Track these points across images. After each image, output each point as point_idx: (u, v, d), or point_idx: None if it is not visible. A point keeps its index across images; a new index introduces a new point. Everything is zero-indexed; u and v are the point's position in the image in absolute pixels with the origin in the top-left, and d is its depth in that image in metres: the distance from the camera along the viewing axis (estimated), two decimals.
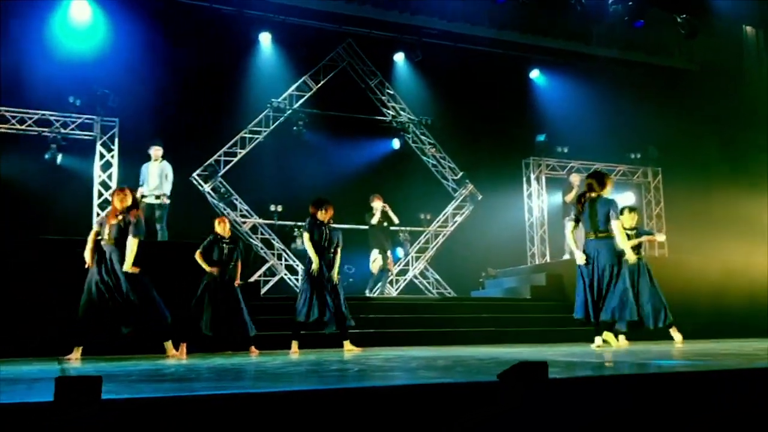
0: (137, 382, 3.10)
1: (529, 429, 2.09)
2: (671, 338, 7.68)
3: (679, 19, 13.75)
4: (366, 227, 10.82)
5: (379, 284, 10.97)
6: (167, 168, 9.77)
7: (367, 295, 10.55)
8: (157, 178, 9.67)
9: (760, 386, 2.61)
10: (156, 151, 9.76)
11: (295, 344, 7.09)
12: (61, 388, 1.75)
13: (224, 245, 7.24)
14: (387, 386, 2.49)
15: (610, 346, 6.58)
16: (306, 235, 7.19)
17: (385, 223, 10.68)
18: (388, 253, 10.81)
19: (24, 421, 1.77)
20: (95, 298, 5.99)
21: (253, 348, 7.12)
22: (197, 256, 7.14)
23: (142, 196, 9.52)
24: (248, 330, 7.13)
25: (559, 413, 2.19)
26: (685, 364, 3.56)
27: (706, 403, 2.51)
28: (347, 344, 7.14)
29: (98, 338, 6.06)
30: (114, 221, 6.17)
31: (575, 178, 11.95)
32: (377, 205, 10.58)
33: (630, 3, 13.06)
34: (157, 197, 9.61)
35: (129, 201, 6.26)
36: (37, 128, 10.95)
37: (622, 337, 7.22)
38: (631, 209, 8.04)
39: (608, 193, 6.86)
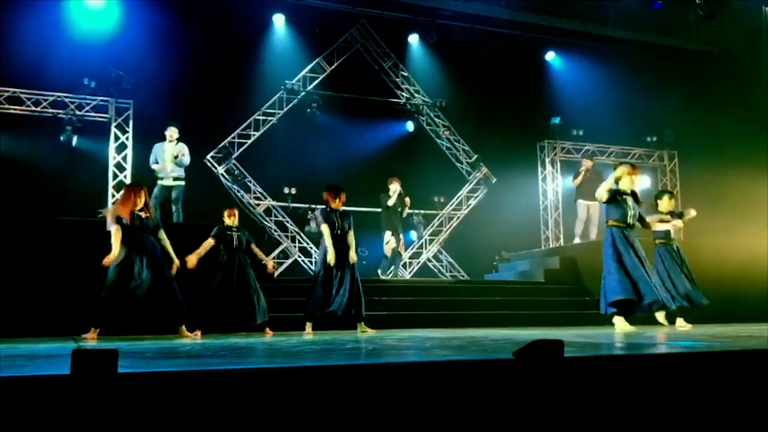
0: (153, 359, 3.13)
1: (544, 407, 2.09)
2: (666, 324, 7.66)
3: (697, 1, 13.54)
4: (379, 210, 10.81)
5: (392, 267, 10.99)
6: (184, 149, 9.71)
7: (380, 276, 10.56)
8: (172, 161, 9.63)
9: None
10: (172, 132, 9.68)
11: (309, 326, 7.12)
12: (78, 360, 1.77)
13: (233, 233, 7.24)
14: (401, 363, 2.49)
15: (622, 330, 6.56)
16: (326, 229, 7.12)
17: (399, 208, 10.68)
18: (401, 236, 10.80)
19: (41, 393, 1.79)
20: (122, 284, 6.05)
21: (267, 329, 7.14)
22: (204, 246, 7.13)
23: (159, 178, 9.51)
24: (261, 317, 7.12)
25: (575, 391, 2.18)
26: (703, 345, 3.53)
27: (725, 383, 2.49)
28: (361, 326, 7.16)
29: (114, 320, 6.08)
30: (143, 214, 6.27)
31: (587, 163, 11.89)
32: (394, 187, 10.56)
33: None
34: (174, 179, 9.59)
35: (143, 200, 6.35)
36: (52, 110, 11.01)
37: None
38: (671, 195, 8.13)
39: (622, 183, 6.98)
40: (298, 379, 2.08)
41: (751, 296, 9.77)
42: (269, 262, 7.42)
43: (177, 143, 9.68)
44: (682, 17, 14.17)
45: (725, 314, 9.13)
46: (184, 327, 6.41)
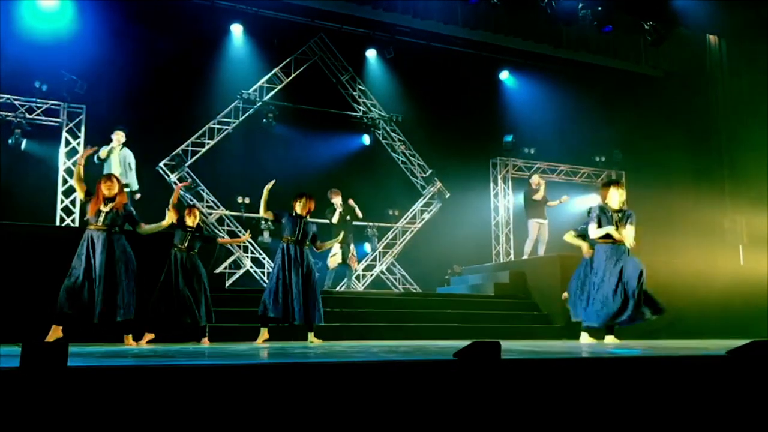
0: (102, 358, 3.13)
1: (482, 403, 2.19)
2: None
3: (646, 26, 14.03)
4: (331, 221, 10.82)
5: (344, 280, 11.01)
6: (129, 156, 9.45)
7: (325, 289, 10.52)
8: (119, 166, 9.42)
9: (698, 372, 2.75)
10: (119, 137, 9.47)
11: (264, 331, 7.02)
12: (27, 353, 1.79)
13: (188, 233, 7.20)
14: (348, 362, 2.56)
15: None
16: (266, 211, 7.18)
17: (348, 217, 10.69)
18: (351, 247, 10.77)
19: None
20: (78, 282, 5.93)
21: (205, 339, 7.04)
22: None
23: None
24: (200, 320, 6.96)
25: (510, 389, 2.29)
26: (635, 353, 3.69)
27: (646, 384, 2.63)
28: (311, 336, 7.17)
29: (72, 321, 5.94)
30: (105, 208, 6.15)
31: (536, 179, 12.21)
32: (337, 201, 10.59)
33: (599, 8, 13.28)
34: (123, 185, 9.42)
35: (116, 189, 6.25)
36: (1, 112, 10.79)
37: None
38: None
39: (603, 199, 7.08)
40: (248, 375, 2.13)
41: (695, 312, 10.04)
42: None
43: (122, 148, 9.44)
44: (631, 42, 14.63)
45: (670, 329, 9.38)
46: (130, 336, 6.24)
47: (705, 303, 10.22)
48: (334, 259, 10.57)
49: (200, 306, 6.98)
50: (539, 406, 2.28)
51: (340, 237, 8.41)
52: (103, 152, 9.33)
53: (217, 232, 12.36)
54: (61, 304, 5.84)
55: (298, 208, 7.25)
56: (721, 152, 15.02)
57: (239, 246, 12.53)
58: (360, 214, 10.96)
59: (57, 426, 1.76)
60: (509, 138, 14.33)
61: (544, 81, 14.65)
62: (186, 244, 7.11)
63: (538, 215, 11.93)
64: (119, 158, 9.38)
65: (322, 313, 7.21)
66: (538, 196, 11.90)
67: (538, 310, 10.35)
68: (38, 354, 1.78)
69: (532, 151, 14.75)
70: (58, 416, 1.78)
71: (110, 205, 6.18)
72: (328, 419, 2.12)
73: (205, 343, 6.93)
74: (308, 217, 7.32)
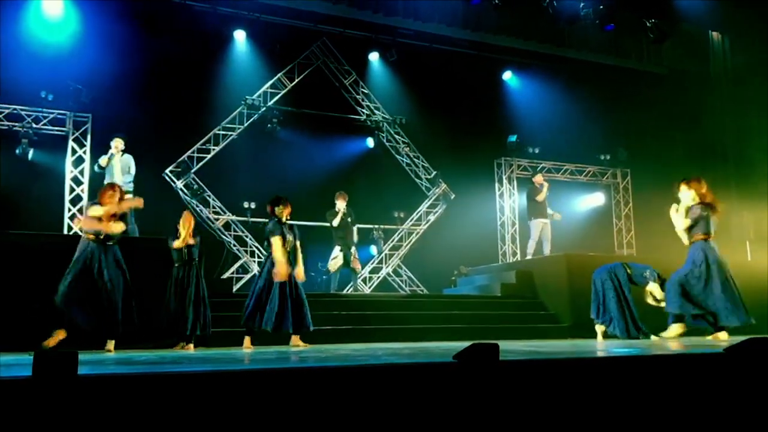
0: (111, 365, 3.19)
1: (481, 405, 2.23)
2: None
3: (648, 24, 14.03)
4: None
5: (350, 283, 11.00)
6: (131, 161, 9.57)
7: (331, 292, 10.50)
8: (120, 173, 9.50)
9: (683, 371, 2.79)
10: (117, 143, 9.54)
11: (247, 339, 6.85)
12: (39, 363, 1.84)
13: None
14: (349, 366, 2.60)
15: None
16: (278, 241, 6.85)
17: (349, 220, 10.62)
18: (353, 249, 10.70)
19: (2, 395, 1.85)
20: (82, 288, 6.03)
21: (191, 345, 6.93)
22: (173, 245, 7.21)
23: None
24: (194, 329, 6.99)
25: (508, 391, 2.33)
26: (629, 352, 3.72)
27: (645, 383, 2.67)
28: (295, 339, 6.93)
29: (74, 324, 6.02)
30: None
31: (540, 178, 12.26)
32: (340, 205, 10.53)
33: (601, 7, 13.30)
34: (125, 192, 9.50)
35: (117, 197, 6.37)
36: (8, 123, 10.90)
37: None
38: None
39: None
40: (256, 380, 2.18)
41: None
42: None
43: (123, 155, 9.57)
44: (634, 40, 14.64)
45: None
46: (112, 343, 6.18)
47: None
48: (334, 263, 10.50)
49: (187, 317, 6.99)
50: (537, 406, 2.32)
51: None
52: (103, 160, 9.44)
53: (224, 237, 12.44)
54: (64, 311, 5.97)
55: (284, 213, 7.08)
56: (727, 148, 15.00)
57: (246, 251, 12.60)
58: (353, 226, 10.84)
59: None
60: (513, 138, 14.38)
61: (548, 80, 14.68)
62: (185, 257, 7.20)
63: (541, 215, 11.98)
64: (121, 165, 9.49)
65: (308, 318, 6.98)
66: (541, 197, 11.94)
67: (545, 310, 10.36)
68: (49, 363, 1.84)
69: (537, 151, 14.79)
70: (69, 425, 1.83)
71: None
72: (330, 422, 2.17)
73: (188, 348, 6.90)
74: (289, 220, 7.21)
